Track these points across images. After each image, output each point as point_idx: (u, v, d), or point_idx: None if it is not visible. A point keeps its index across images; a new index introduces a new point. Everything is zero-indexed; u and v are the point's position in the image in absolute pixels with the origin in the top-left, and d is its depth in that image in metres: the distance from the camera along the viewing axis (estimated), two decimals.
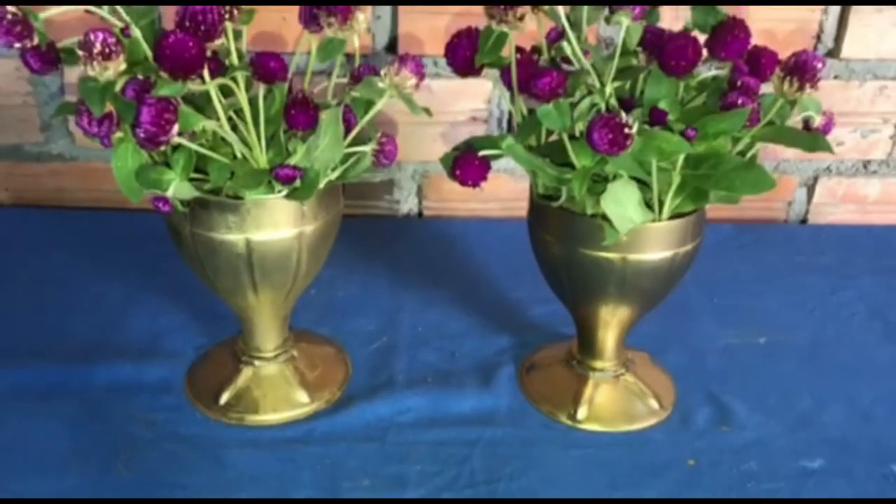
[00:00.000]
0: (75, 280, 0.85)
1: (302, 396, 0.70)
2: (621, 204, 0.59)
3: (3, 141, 0.98)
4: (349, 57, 0.69)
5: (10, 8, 0.51)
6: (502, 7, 0.53)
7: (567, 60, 0.61)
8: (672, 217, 0.61)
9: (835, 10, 0.92)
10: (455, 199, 1.01)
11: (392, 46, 0.93)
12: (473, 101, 0.96)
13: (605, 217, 0.59)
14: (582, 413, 0.70)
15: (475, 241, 0.96)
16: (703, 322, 0.82)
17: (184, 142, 0.56)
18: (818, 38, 0.94)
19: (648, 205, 0.60)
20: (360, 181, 0.64)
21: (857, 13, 0.92)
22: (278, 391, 0.70)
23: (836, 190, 1.03)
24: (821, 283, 0.90)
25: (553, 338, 0.79)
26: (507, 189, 0.99)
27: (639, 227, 0.60)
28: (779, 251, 0.95)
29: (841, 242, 0.97)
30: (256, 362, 0.71)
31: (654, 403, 0.71)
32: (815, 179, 1.02)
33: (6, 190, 1.00)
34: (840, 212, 1.04)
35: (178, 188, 0.57)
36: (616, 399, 0.71)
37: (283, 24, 0.90)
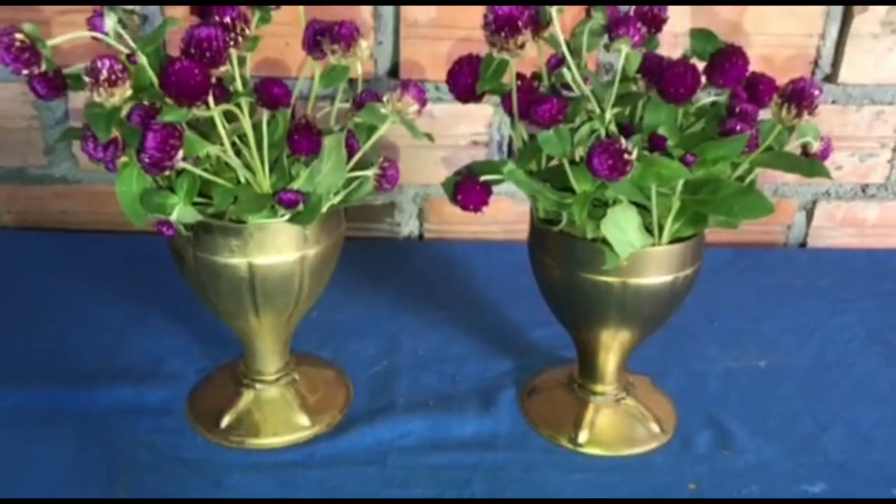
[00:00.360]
0: (77, 302, 0.86)
1: (303, 420, 0.70)
2: (621, 228, 0.59)
3: (7, 164, 0.98)
4: (352, 82, 0.69)
5: (18, 35, 0.51)
6: (503, 35, 0.54)
7: (567, 86, 0.62)
8: (672, 241, 0.62)
9: (832, 35, 0.93)
10: (456, 222, 1.02)
11: (394, 71, 0.94)
12: (474, 125, 0.97)
13: (605, 241, 0.60)
14: (583, 437, 0.70)
15: (476, 263, 0.96)
16: (703, 345, 0.83)
17: (188, 167, 0.56)
18: (816, 63, 0.95)
19: (648, 229, 0.61)
20: (362, 204, 0.65)
21: (854, 39, 0.93)
22: (279, 414, 0.70)
23: (834, 214, 1.03)
24: (820, 306, 0.90)
25: (554, 361, 0.79)
26: (507, 212, 1.00)
27: (639, 252, 0.60)
28: (778, 275, 0.96)
29: (840, 266, 0.98)
30: (258, 385, 0.71)
31: (654, 427, 0.71)
32: (814, 203, 1.02)
33: (9, 212, 1.01)
34: (839, 235, 1.04)
35: (181, 212, 0.58)
36: (617, 423, 0.71)
37: (287, 49, 0.91)
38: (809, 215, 1.03)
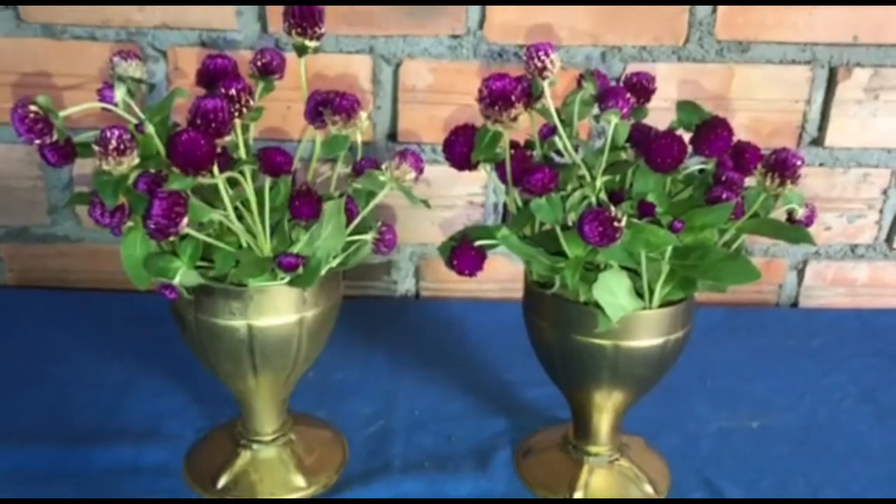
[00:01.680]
0: (76, 361, 0.86)
1: (299, 480, 0.71)
2: (613, 292, 0.60)
3: (10, 223, 1.00)
4: (351, 146, 0.71)
5: (32, 107, 0.53)
6: (497, 109, 0.56)
7: (560, 153, 0.64)
8: (662, 305, 0.63)
9: (817, 101, 0.96)
10: (452, 281, 1.03)
11: (392, 135, 0.96)
12: (470, 185, 0.99)
13: (597, 305, 0.61)
14: (578, 498, 0.70)
15: (472, 322, 0.97)
16: (696, 406, 0.83)
17: (192, 232, 0.58)
18: (803, 127, 0.97)
19: (639, 293, 0.62)
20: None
21: (839, 104, 0.96)
22: (276, 475, 0.71)
23: (825, 273, 1.05)
24: (812, 366, 0.91)
25: (549, 421, 0.79)
26: (503, 271, 1.01)
27: (630, 315, 0.62)
28: (770, 335, 0.97)
29: (831, 326, 0.99)
30: (255, 446, 0.72)
31: (649, 489, 0.71)
32: (805, 263, 1.04)
33: (11, 271, 1.02)
34: (830, 295, 1.06)
35: (184, 276, 0.59)
36: (611, 484, 0.71)
37: (288, 113, 0.93)
38: (800, 275, 1.05)
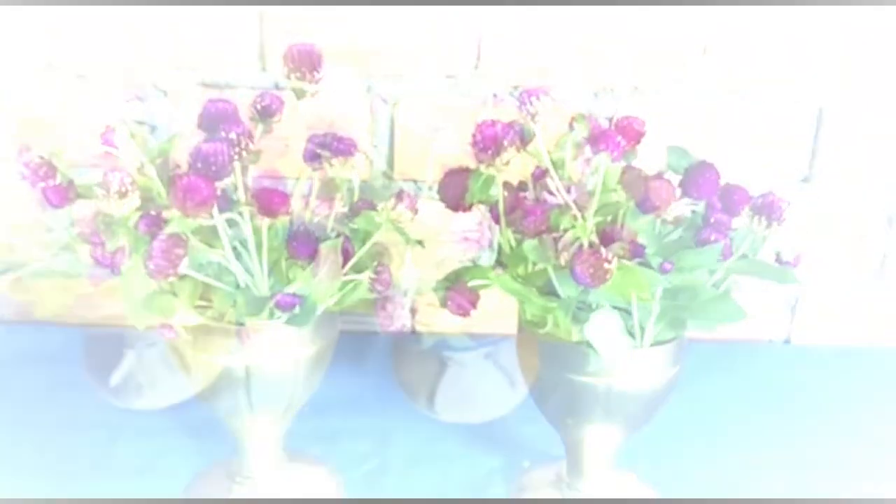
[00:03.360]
0: (73, 397, 0.86)
1: None
2: (604, 332, 0.61)
3: (8, 258, 1.00)
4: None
5: (35, 151, 0.55)
6: (490, 153, 0.58)
7: (552, 193, 0.65)
8: (654, 344, 0.64)
9: (808, 141, 0.98)
10: (446, 315, 1.04)
11: (389, 173, 0.98)
12: (464, 221, 1.00)
13: (589, 344, 0.62)
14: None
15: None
16: (689, 442, 0.84)
17: (191, 272, 0.59)
18: (793, 166, 0.99)
19: (631, 332, 0.63)
20: None
21: (829, 145, 0.97)
22: None
23: (817, 309, 1.05)
24: (804, 403, 0.91)
25: (543, 458, 0.80)
26: (496, 306, 1.02)
27: (622, 355, 0.62)
28: (762, 371, 0.97)
29: (823, 362, 1.00)
30: (250, 483, 0.72)
31: None
32: (797, 299, 1.05)
33: (7, 307, 1.02)
34: (822, 331, 1.06)
35: (183, 315, 0.60)
36: None
37: (285, 151, 0.94)
38: (793, 311, 1.05)
